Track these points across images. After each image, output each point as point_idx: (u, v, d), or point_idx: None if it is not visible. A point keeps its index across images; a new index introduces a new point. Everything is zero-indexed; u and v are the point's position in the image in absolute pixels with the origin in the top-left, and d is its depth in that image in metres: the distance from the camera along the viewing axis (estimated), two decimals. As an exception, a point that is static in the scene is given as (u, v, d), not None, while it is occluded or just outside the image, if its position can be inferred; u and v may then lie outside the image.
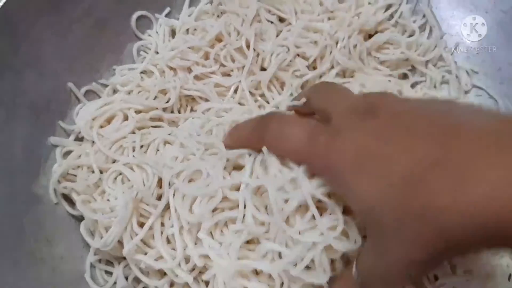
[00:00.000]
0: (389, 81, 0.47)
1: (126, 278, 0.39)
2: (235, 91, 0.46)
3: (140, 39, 0.49)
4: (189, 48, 0.46)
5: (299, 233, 0.32)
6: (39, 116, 0.42)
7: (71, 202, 0.41)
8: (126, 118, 0.43)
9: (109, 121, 0.43)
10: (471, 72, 0.50)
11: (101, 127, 0.43)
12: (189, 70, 0.47)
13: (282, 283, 0.32)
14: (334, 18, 0.49)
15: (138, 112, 0.43)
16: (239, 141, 0.36)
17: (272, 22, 0.48)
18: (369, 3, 0.50)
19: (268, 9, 0.49)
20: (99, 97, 0.46)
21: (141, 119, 0.43)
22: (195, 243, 0.35)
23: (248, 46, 0.46)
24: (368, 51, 0.48)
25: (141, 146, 0.41)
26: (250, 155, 0.35)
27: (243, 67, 0.46)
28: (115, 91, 0.46)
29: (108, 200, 0.39)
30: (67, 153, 0.42)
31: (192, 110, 0.46)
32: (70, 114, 0.44)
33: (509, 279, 0.40)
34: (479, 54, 0.50)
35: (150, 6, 0.49)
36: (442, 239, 0.23)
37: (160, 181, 0.38)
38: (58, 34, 0.43)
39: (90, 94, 0.46)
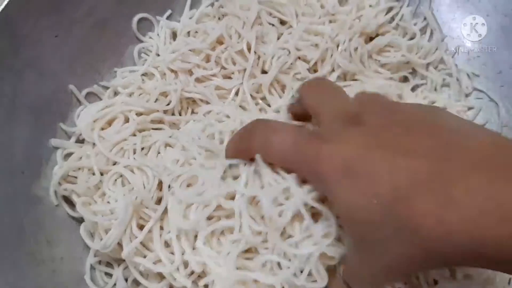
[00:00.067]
0: (390, 85, 0.47)
1: (126, 280, 0.39)
2: (236, 93, 0.46)
3: (141, 41, 0.49)
4: (190, 50, 0.46)
5: (296, 244, 0.32)
6: (39, 118, 0.42)
7: (72, 204, 0.41)
8: (127, 120, 0.43)
9: (110, 123, 0.43)
10: (471, 75, 0.50)
11: (102, 129, 0.43)
12: (190, 72, 0.47)
13: None
14: (335, 21, 0.49)
15: (139, 114, 0.43)
16: (232, 153, 0.35)
17: (273, 25, 0.48)
18: (370, 5, 0.50)
19: (269, 12, 0.49)
20: (100, 99, 0.46)
21: (142, 122, 0.43)
22: (193, 248, 0.35)
23: (249, 49, 0.46)
24: (369, 54, 0.48)
25: (142, 149, 0.41)
26: (245, 164, 0.35)
27: (244, 69, 0.46)
28: (116, 93, 0.47)
29: (108, 202, 0.39)
30: (68, 155, 0.42)
31: (193, 112, 0.46)
32: (71, 116, 0.44)
33: (509, 283, 0.40)
34: (480, 57, 0.50)
35: (151, 9, 0.50)
36: (424, 254, 0.23)
37: (160, 183, 0.39)
38: (59, 35, 0.43)
39: (91, 96, 0.46)
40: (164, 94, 0.45)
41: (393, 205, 0.24)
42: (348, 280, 0.30)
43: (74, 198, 0.40)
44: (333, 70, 0.47)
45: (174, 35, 0.50)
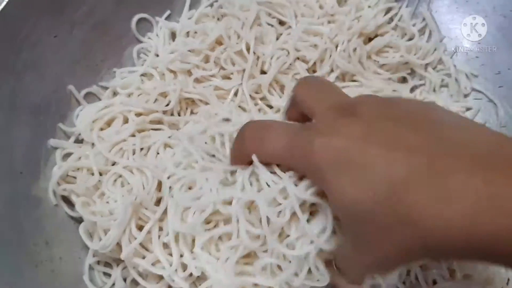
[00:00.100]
0: (389, 83, 0.47)
1: (125, 280, 0.39)
2: (235, 94, 0.46)
3: (141, 41, 0.49)
4: (189, 51, 0.46)
5: (293, 245, 0.32)
6: (39, 118, 0.42)
7: (71, 204, 0.41)
8: (126, 120, 0.43)
9: (109, 123, 0.44)
10: (470, 76, 0.50)
11: (101, 129, 0.43)
12: (189, 73, 0.47)
13: None
14: (334, 22, 0.49)
15: (138, 114, 0.44)
16: (234, 161, 0.35)
17: (272, 26, 0.48)
18: (369, 6, 0.50)
19: (268, 13, 0.49)
20: (99, 99, 0.46)
21: (141, 122, 0.43)
22: (192, 251, 0.35)
23: (248, 50, 0.46)
24: (368, 55, 0.48)
25: (141, 149, 0.41)
26: (243, 169, 0.34)
27: (243, 70, 0.46)
28: (115, 93, 0.47)
29: (107, 202, 0.39)
30: (67, 155, 0.42)
31: (192, 113, 0.46)
32: (70, 117, 0.44)
33: (507, 283, 0.40)
34: (478, 57, 0.50)
35: (150, 9, 0.50)
36: (420, 246, 0.23)
37: (159, 184, 0.39)
38: (58, 36, 0.43)
39: (90, 97, 0.46)
40: (163, 94, 0.45)
41: (390, 197, 0.24)
42: (340, 266, 0.30)
43: (73, 198, 0.40)
44: (332, 71, 0.47)
45: (173, 36, 0.50)
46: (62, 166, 0.41)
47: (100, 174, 0.41)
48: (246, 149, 0.32)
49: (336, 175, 0.26)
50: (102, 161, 0.41)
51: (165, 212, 0.37)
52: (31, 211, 0.39)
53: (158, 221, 0.37)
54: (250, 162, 0.33)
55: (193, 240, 0.35)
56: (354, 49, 0.47)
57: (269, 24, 0.48)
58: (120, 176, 0.40)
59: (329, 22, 0.49)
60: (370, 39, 0.50)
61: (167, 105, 0.44)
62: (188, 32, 0.49)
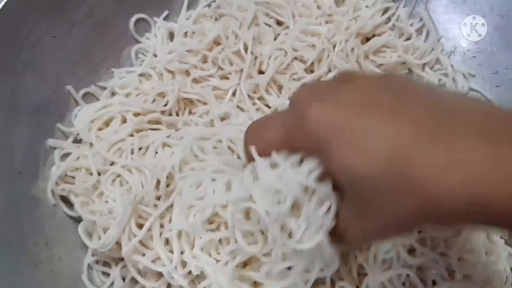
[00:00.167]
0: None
1: (123, 279, 0.39)
2: (233, 94, 0.46)
3: (139, 42, 0.49)
4: (187, 51, 0.47)
5: (301, 239, 0.29)
6: (38, 118, 0.42)
7: (69, 204, 0.41)
8: (124, 120, 0.43)
9: (107, 123, 0.44)
10: (467, 75, 0.50)
11: (100, 129, 0.43)
12: (187, 73, 0.47)
13: None
14: (332, 22, 0.49)
15: (136, 115, 0.44)
16: (245, 163, 0.34)
17: (270, 26, 0.48)
18: (367, 6, 0.50)
19: (266, 13, 0.49)
20: (98, 99, 0.46)
21: (139, 122, 0.43)
22: (192, 248, 0.35)
23: (246, 50, 0.46)
24: (366, 55, 0.49)
25: (140, 149, 0.41)
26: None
27: (241, 70, 0.46)
28: (113, 93, 0.47)
29: (106, 201, 0.39)
30: (66, 155, 0.42)
31: (190, 113, 0.46)
32: (69, 117, 0.44)
33: (505, 283, 0.40)
34: (475, 57, 0.50)
35: (148, 9, 0.50)
36: (423, 210, 0.23)
37: (158, 183, 0.39)
38: (57, 36, 0.43)
39: (89, 97, 0.46)
40: (162, 94, 0.45)
41: (393, 163, 0.23)
42: (339, 233, 0.29)
43: (72, 198, 0.40)
44: (329, 71, 0.47)
45: (171, 36, 0.50)
46: (61, 166, 0.41)
47: (99, 174, 0.41)
48: (247, 146, 0.32)
49: (337, 142, 0.25)
50: (101, 161, 0.41)
51: (166, 209, 0.37)
52: (30, 211, 0.39)
53: (159, 218, 0.37)
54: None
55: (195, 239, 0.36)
56: (352, 49, 0.47)
57: (266, 24, 0.48)
58: (119, 175, 0.40)
59: (326, 22, 0.49)
60: (367, 39, 0.50)
61: (165, 105, 0.45)
62: (186, 33, 0.49)
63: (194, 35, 0.49)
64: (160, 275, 0.37)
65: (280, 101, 0.45)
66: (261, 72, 0.47)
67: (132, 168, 0.40)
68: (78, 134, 0.43)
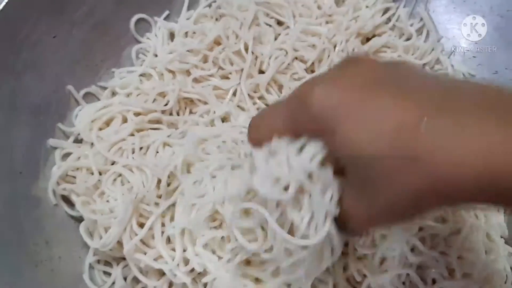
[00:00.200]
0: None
1: (125, 279, 0.39)
2: (234, 94, 0.46)
3: (139, 42, 0.49)
4: (188, 51, 0.47)
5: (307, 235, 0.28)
6: (38, 118, 0.42)
7: (70, 204, 0.41)
8: (125, 120, 0.43)
9: (108, 123, 0.44)
10: (468, 75, 0.50)
11: (100, 129, 0.43)
12: (188, 73, 0.47)
13: None
14: (332, 22, 0.49)
15: (137, 114, 0.44)
16: None
17: (270, 26, 0.49)
18: (367, 6, 0.50)
19: (267, 13, 0.49)
20: (98, 99, 0.46)
21: (140, 122, 0.43)
22: (195, 245, 0.36)
23: (246, 49, 0.46)
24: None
25: (141, 148, 0.42)
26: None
27: (242, 70, 0.46)
28: (114, 93, 0.47)
29: (107, 201, 0.40)
30: (66, 155, 0.43)
31: (191, 112, 0.46)
32: (69, 117, 0.44)
33: (505, 282, 0.40)
34: (475, 57, 0.50)
35: (149, 9, 0.50)
36: (431, 188, 0.23)
37: (159, 182, 0.39)
38: (58, 36, 0.43)
39: (89, 97, 0.46)
40: (162, 94, 0.45)
41: (401, 137, 0.23)
42: (344, 218, 0.28)
43: (73, 197, 0.41)
44: (330, 71, 0.47)
45: (172, 36, 0.50)
46: (62, 166, 0.41)
47: (100, 174, 0.41)
48: (251, 139, 0.31)
49: (342, 120, 0.24)
50: (102, 160, 0.41)
51: (167, 208, 0.38)
52: (31, 211, 0.39)
53: (161, 216, 0.38)
54: None
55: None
56: (352, 49, 0.47)
57: (267, 24, 0.48)
58: (120, 175, 0.40)
59: (327, 22, 0.49)
60: (368, 39, 0.50)
61: (166, 104, 0.45)
62: (186, 33, 0.49)
63: (194, 35, 0.49)
64: (161, 274, 0.37)
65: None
66: (261, 72, 0.47)
67: (133, 167, 0.40)
68: (79, 134, 0.43)
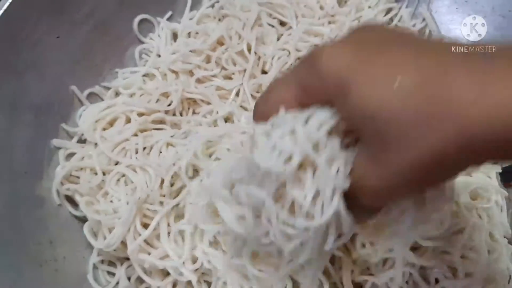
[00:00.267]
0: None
1: (129, 279, 0.39)
2: (237, 94, 0.46)
3: (142, 42, 0.50)
4: (190, 51, 0.47)
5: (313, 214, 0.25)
6: (41, 118, 0.42)
7: (74, 204, 0.41)
8: (128, 120, 0.44)
9: (111, 123, 0.44)
10: (469, 75, 0.50)
11: (104, 129, 0.43)
12: (191, 73, 0.47)
13: None
14: (335, 22, 0.49)
15: (140, 114, 0.44)
16: None
17: (273, 26, 0.49)
18: (369, 7, 0.50)
19: (269, 13, 0.49)
20: (102, 99, 0.46)
21: (143, 122, 0.43)
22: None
23: (249, 50, 0.46)
24: (368, 55, 0.49)
25: (144, 148, 0.42)
26: None
27: (245, 70, 0.46)
28: (117, 94, 0.47)
29: (111, 201, 0.40)
30: (70, 155, 0.43)
31: (194, 112, 0.46)
32: (73, 117, 0.44)
33: (508, 282, 0.40)
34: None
35: (152, 10, 0.50)
36: (460, 144, 0.21)
37: (162, 182, 0.39)
38: (60, 36, 0.43)
39: (93, 97, 0.46)
40: (165, 94, 0.45)
41: (424, 88, 0.21)
42: (354, 189, 0.25)
43: (77, 198, 0.41)
44: (332, 71, 0.47)
45: (174, 36, 0.50)
46: (65, 166, 0.41)
47: (104, 174, 0.41)
48: (256, 116, 0.29)
49: (356, 78, 0.23)
50: (105, 160, 0.41)
51: (171, 208, 0.38)
52: (35, 211, 0.39)
53: (166, 216, 0.38)
54: None
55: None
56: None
57: (270, 25, 0.49)
58: (124, 175, 0.40)
59: (329, 22, 0.49)
60: (370, 40, 0.50)
61: (169, 105, 0.45)
62: (189, 33, 0.49)
63: (197, 35, 0.49)
64: (165, 274, 0.37)
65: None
66: (264, 72, 0.47)
67: (136, 167, 0.40)
68: (82, 134, 0.43)
